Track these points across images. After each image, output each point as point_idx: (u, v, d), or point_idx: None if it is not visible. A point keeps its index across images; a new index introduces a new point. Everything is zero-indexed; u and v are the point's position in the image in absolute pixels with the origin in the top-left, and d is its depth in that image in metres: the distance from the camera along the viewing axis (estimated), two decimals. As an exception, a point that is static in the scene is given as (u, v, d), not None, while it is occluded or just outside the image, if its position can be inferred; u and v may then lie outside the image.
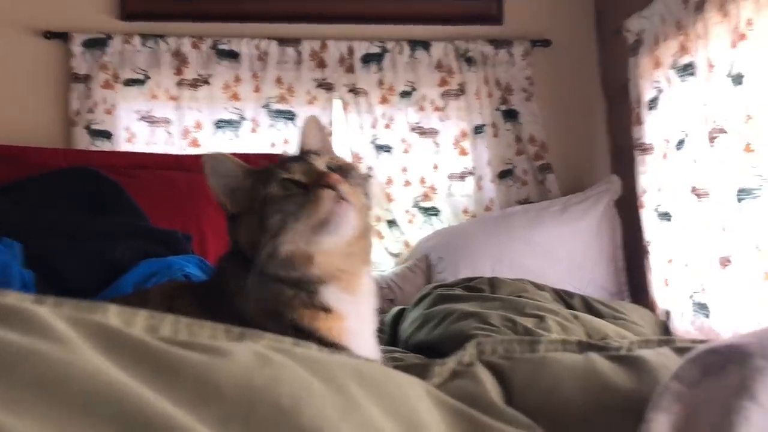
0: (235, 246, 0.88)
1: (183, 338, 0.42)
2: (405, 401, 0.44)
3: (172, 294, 0.86)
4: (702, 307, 1.88)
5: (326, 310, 0.83)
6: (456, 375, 0.54)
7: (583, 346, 0.58)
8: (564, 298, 1.90)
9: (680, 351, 0.60)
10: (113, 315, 0.41)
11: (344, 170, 0.89)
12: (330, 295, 0.84)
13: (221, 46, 2.54)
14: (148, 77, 2.53)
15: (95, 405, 0.32)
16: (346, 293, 0.86)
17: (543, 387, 0.52)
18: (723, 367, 0.49)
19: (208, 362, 0.38)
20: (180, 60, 2.54)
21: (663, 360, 0.57)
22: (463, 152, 2.59)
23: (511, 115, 2.60)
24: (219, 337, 0.44)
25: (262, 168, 0.90)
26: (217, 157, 0.89)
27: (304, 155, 0.91)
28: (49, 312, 0.37)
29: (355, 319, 0.86)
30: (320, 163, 0.88)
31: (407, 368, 0.49)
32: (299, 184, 0.84)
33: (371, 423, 0.40)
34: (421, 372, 0.52)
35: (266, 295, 0.80)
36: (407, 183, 2.57)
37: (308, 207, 0.79)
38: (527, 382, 0.53)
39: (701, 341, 0.57)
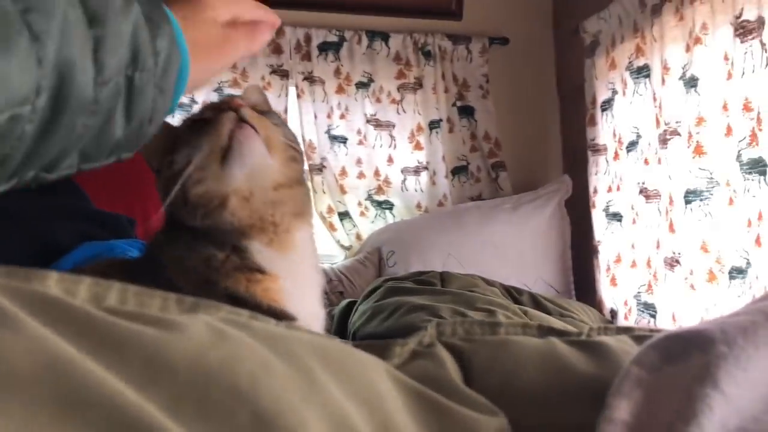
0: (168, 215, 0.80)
1: (131, 309, 0.38)
2: (367, 382, 0.41)
3: (104, 272, 0.80)
4: (648, 307, 1.91)
5: (261, 271, 0.76)
6: (416, 356, 0.51)
7: (544, 331, 0.56)
8: (513, 294, 1.91)
9: (639, 339, 0.59)
10: (53, 283, 0.37)
11: (263, 111, 0.81)
12: (259, 253, 0.77)
13: (174, 27, 2.46)
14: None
15: (38, 382, 0.28)
16: (276, 250, 0.78)
17: (503, 369, 0.50)
18: (685, 353, 0.48)
19: (159, 337, 0.35)
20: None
21: (623, 346, 0.56)
22: (418, 146, 2.57)
23: (467, 111, 2.60)
24: (170, 309, 0.41)
25: (186, 118, 0.84)
26: None
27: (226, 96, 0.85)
28: None
29: (290, 278, 0.78)
30: (237, 99, 0.81)
31: (367, 348, 0.46)
32: (208, 120, 0.77)
33: (333, 405, 0.37)
34: (381, 352, 0.50)
35: (196, 262, 0.73)
36: (361, 175, 2.54)
37: (210, 134, 0.72)
38: (488, 365, 0.51)
39: (660, 330, 0.56)
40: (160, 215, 0.80)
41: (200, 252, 0.72)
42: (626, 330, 0.63)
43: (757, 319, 0.48)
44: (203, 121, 0.77)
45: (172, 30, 0.47)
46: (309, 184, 2.43)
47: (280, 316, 0.70)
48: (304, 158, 2.40)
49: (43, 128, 0.37)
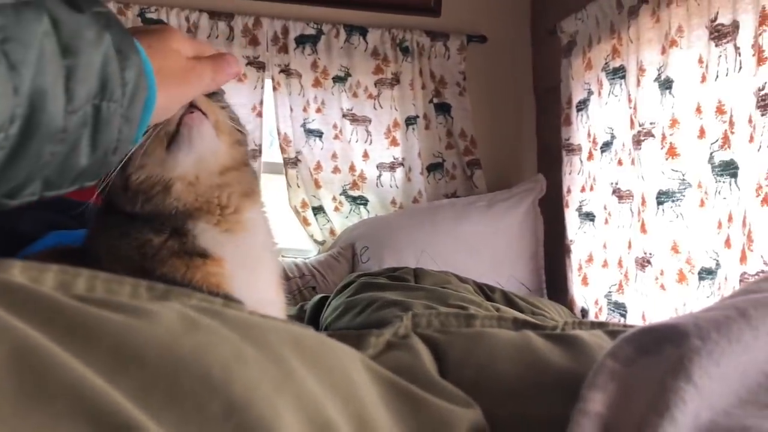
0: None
1: (100, 296, 0.37)
2: (341, 372, 0.40)
3: (56, 259, 0.77)
4: (619, 306, 1.93)
5: (202, 255, 0.73)
6: (391, 346, 0.51)
7: (519, 324, 0.56)
8: (485, 291, 1.91)
9: (613, 334, 0.59)
10: (18, 271, 0.36)
11: (210, 94, 0.80)
12: (203, 234, 0.74)
13: (149, 15, 2.43)
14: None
15: (3, 370, 0.27)
16: (224, 232, 0.76)
17: (478, 361, 0.50)
18: (659, 347, 0.48)
19: (128, 323, 0.34)
20: (103, 25, 2.40)
21: (597, 340, 0.56)
22: (395, 142, 2.57)
23: (443, 108, 2.60)
24: (141, 296, 0.40)
25: None
26: None
27: None
28: None
29: (239, 262, 0.76)
30: None
31: (342, 338, 0.45)
32: None
33: (307, 394, 0.37)
34: (355, 342, 0.49)
35: (130, 251, 0.70)
36: (336, 170, 2.53)
37: None
38: (463, 356, 0.50)
39: (633, 326, 0.56)
40: (97, 201, 0.77)
41: (135, 239, 0.69)
42: (600, 325, 0.63)
43: (731, 314, 0.48)
44: None
45: (141, 61, 0.48)
46: (284, 177, 2.42)
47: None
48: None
49: (11, 155, 0.37)
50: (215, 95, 0.81)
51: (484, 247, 2.32)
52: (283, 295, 0.86)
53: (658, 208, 1.72)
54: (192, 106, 0.71)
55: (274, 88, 2.48)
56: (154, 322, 0.35)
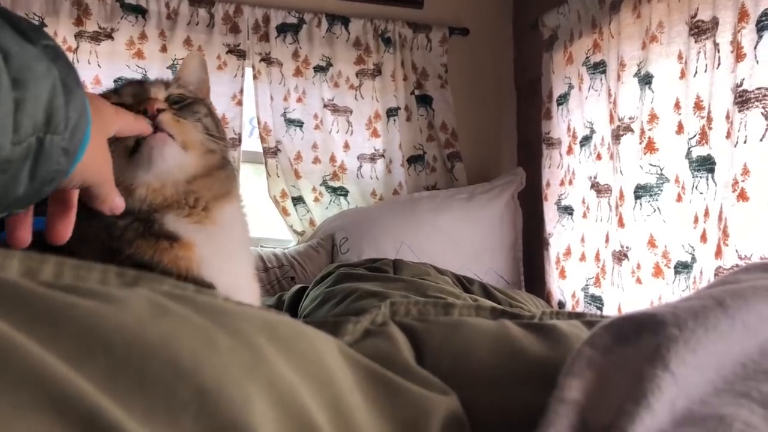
0: None
1: (67, 282, 0.36)
2: (317, 358, 0.40)
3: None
4: (595, 299, 1.94)
5: (169, 237, 0.74)
6: (369, 334, 0.50)
7: (496, 313, 0.56)
8: (464, 283, 1.92)
9: (591, 324, 0.59)
10: None
11: (186, 105, 0.82)
12: (171, 221, 0.76)
13: (128, 0, 2.39)
14: (44, 24, 2.33)
15: None
16: (194, 222, 0.78)
17: (456, 350, 0.50)
18: (637, 335, 0.48)
19: (96, 309, 0.33)
20: (81, 10, 2.36)
21: (575, 330, 0.56)
22: (375, 134, 2.56)
23: (425, 100, 2.60)
24: (110, 282, 0.39)
25: (103, 92, 0.83)
26: None
27: (145, 81, 0.85)
28: None
29: (211, 249, 0.77)
30: (156, 91, 0.81)
31: (318, 325, 0.45)
32: (124, 107, 0.75)
33: (281, 381, 0.36)
34: (332, 329, 0.49)
35: (96, 231, 0.70)
36: (316, 160, 2.51)
37: None
38: (440, 345, 0.50)
39: (610, 317, 0.56)
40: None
41: (100, 219, 0.68)
42: (578, 315, 0.63)
43: (708, 304, 0.48)
44: (121, 105, 0.75)
45: (83, 95, 0.48)
46: (263, 167, 2.40)
47: (194, 284, 0.69)
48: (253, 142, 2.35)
49: None
50: (193, 105, 0.83)
51: (464, 240, 2.33)
52: (258, 284, 0.86)
53: (635, 203, 1.73)
54: (157, 127, 0.74)
55: (255, 77, 2.46)
56: (123, 308, 0.34)
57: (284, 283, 2.18)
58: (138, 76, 2.38)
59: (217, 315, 0.37)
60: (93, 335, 0.31)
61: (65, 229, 0.57)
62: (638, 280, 1.72)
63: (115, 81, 2.35)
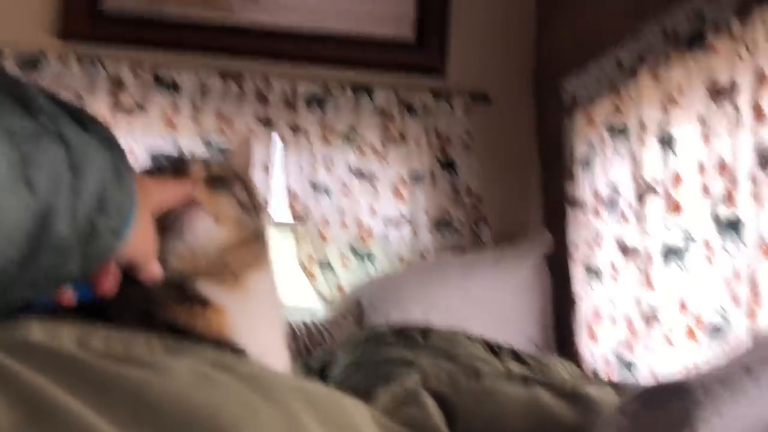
0: None
1: (117, 352, 0.38)
2: (351, 426, 0.41)
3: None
4: (627, 364, 1.91)
5: (202, 302, 0.76)
6: (400, 401, 0.51)
7: (528, 381, 0.56)
8: (494, 349, 1.90)
9: (622, 391, 0.59)
10: (37, 330, 0.37)
11: (222, 181, 0.85)
12: (202, 287, 0.77)
13: (161, 75, 2.49)
14: (81, 100, 2.44)
15: (21, 423, 0.28)
16: (225, 289, 0.79)
17: (487, 416, 0.50)
18: (665, 401, 0.48)
19: (143, 378, 0.35)
20: (117, 85, 2.47)
21: (606, 397, 0.56)
22: (401, 199, 2.59)
23: (449, 165, 2.63)
24: (156, 351, 0.41)
25: (146, 170, 0.88)
26: None
27: (186, 159, 0.88)
28: None
29: (241, 314, 0.78)
30: (196, 168, 0.84)
31: (351, 392, 0.46)
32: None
33: None
34: (364, 397, 0.49)
35: (132, 292, 0.70)
36: (343, 226, 2.54)
37: None
38: (472, 411, 0.50)
39: (641, 385, 0.56)
40: None
41: (136, 283, 0.70)
42: (609, 383, 0.63)
43: (736, 371, 0.49)
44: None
45: (132, 179, 0.51)
46: (291, 233, 2.43)
47: (227, 348, 0.70)
48: (292, 209, 2.39)
49: (19, 266, 0.39)
50: (229, 181, 0.86)
51: (492, 304, 2.31)
52: (288, 350, 0.88)
53: (664, 265, 1.72)
54: (192, 200, 0.77)
55: (283, 146, 2.53)
56: (169, 376, 0.36)
57: (312, 351, 2.17)
58: (171, 148, 2.46)
59: (256, 383, 0.39)
60: (141, 402, 0.33)
61: (111, 284, 0.60)
62: (670, 343, 1.69)
63: (150, 154, 2.44)
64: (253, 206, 0.88)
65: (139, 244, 0.57)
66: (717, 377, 0.46)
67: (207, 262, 0.79)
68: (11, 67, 2.40)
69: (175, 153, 2.43)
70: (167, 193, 0.71)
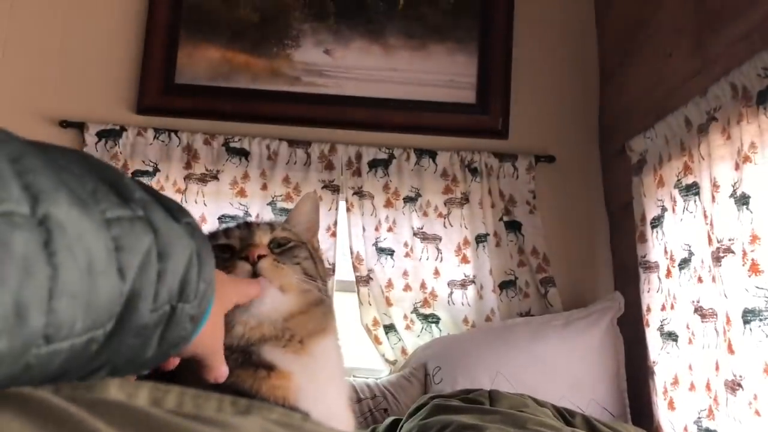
0: None
1: (188, 410, 0.40)
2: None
3: None
4: (710, 434, 1.80)
5: (267, 367, 0.77)
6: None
7: (601, 450, 0.54)
8: (565, 416, 1.84)
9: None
10: (115, 389, 0.39)
11: (288, 249, 0.87)
12: (268, 352, 0.79)
13: (232, 144, 2.60)
14: (157, 169, 2.56)
15: None
16: (291, 353, 0.81)
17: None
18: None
19: None
20: (191, 155, 2.58)
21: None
22: (465, 260, 2.58)
23: (513, 226, 2.61)
24: (225, 410, 0.42)
25: (213, 232, 0.90)
26: None
27: (252, 224, 0.91)
28: (52, 395, 0.35)
29: (307, 379, 0.79)
30: (261, 235, 0.87)
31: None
32: (231, 249, 0.83)
33: None
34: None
35: None
36: (407, 288, 2.54)
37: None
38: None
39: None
40: None
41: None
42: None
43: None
44: (228, 248, 0.84)
45: (213, 267, 0.53)
46: (356, 295, 2.44)
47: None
48: (353, 270, 2.42)
49: (101, 347, 0.41)
50: (294, 249, 0.89)
51: (562, 368, 2.24)
52: (352, 415, 0.87)
53: (745, 328, 1.64)
54: (255, 273, 0.80)
55: (348, 209, 2.57)
56: (237, 433, 0.37)
57: (377, 415, 2.15)
58: (240, 213, 2.54)
59: None
60: None
61: (175, 358, 0.62)
62: (756, 413, 1.59)
63: (219, 218, 2.52)
64: (317, 272, 0.90)
65: (211, 338, 0.59)
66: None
67: (273, 329, 0.81)
68: (91, 140, 2.55)
69: (244, 219, 2.51)
70: (240, 292, 0.73)
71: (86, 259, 0.36)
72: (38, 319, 0.33)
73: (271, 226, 0.91)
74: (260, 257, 0.81)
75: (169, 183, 2.56)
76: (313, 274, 0.88)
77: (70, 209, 0.36)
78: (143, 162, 2.56)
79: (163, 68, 2.68)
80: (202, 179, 2.57)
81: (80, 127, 2.58)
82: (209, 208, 2.55)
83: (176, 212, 0.48)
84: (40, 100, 2.66)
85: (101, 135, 2.57)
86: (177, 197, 2.55)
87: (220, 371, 0.65)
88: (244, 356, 0.78)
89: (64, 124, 2.59)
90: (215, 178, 2.58)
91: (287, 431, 0.40)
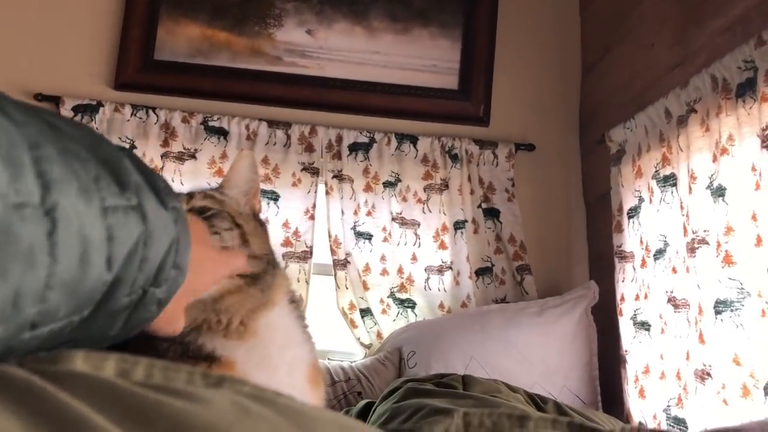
0: None
1: (157, 382, 0.39)
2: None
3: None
4: (679, 422, 1.83)
5: (208, 359, 0.73)
6: (441, 444, 0.50)
7: (574, 428, 0.54)
8: (537, 402, 1.85)
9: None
10: (81, 361, 0.38)
11: (207, 218, 0.79)
12: (208, 342, 0.74)
13: (211, 123, 2.56)
14: (134, 146, 2.52)
15: None
16: (235, 339, 0.76)
17: (532, 465, 0.48)
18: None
19: (184, 408, 0.35)
20: (168, 132, 2.55)
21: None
22: (443, 246, 2.58)
23: (492, 213, 2.62)
24: (196, 383, 0.41)
25: None
26: None
27: (182, 193, 0.84)
28: (16, 368, 0.34)
29: (252, 364, 0.75)
30: (195, 199, 0.81)
31: (389, 432, 0.44)
32: None
33: None
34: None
35: (147, 351, 0.71)
36: (384, 272, 2.54)
37: None
38: (515, 458, 0.48)
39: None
40: None
41: (140, 341, 0.66)
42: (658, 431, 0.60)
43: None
44: None
45: (189, 252, 0.52)
46: (333, 278, 2.42)
47: None
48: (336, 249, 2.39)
49: (74, 329, 0.41)
50: (214, 218, 0.81)
51: (535, 355, 2.26)
52: (318, 395, 0.83)
53: (716, 318, 1.66)
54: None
55: (327, 193, 2.56)
56: (209, 407, 0.36)
57: (351, 398, 2.15)
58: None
59: (296, 417, 0.38)
60: (182, 431, 0.33)
61: None
62: (724, 402, 1.62)
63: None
64: (245, 242, 0.82)
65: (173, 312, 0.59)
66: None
67: (204, 313, 0.75)
68: (67, 114, 2.50)
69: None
70: (221, 271, 0.72)
71: (82, 248, 0.37)
72: (32, 307, 0.34)
73: (189, 195, 0.83)
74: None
75: (146, 160, 2.50)
76: (234, 245, 0.79)
77: (76, 199, 0.37)
78: (120, 139, 2.52)
79: (142, 44, 2.63)
80: (180, 158, 2.54)
81: (56, 101, 2.53)
82: (186, 188, 2.50)
83: (165, 196, 0.48)
84: (14, 71, 2.60)
85: (77, 110, 2.53)
86: (153, 175, 2.51)
87: (178, 325, 0.63)
88: (182, 348, 0.73)
89: (39, 97, 2.54)
90: (193, 156, 2.55)
91: (259, 404, 0.39)
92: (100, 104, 2.53)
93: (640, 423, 2.04)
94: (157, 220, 0.45)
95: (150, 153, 2.53)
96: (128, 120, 2.54)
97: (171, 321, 0.62)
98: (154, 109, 2.55)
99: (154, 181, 0.48)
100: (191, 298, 0.65)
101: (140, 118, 2.55)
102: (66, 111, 2.51)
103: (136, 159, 0.48)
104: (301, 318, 0.87)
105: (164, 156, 2.53)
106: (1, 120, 0.34)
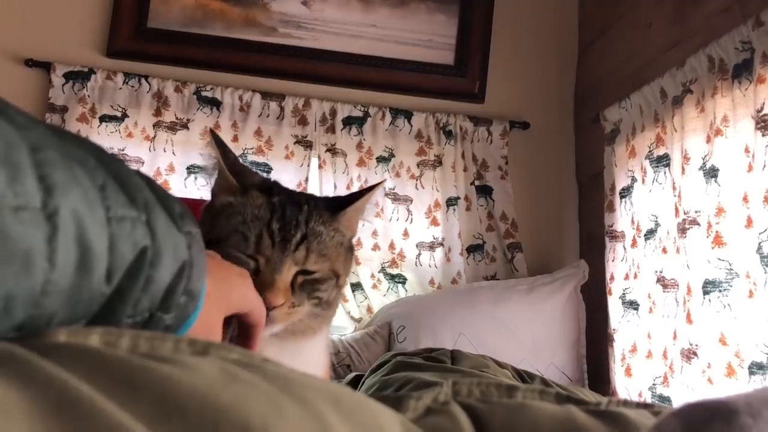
0: None
1: (143, 351, 0.38)
2: (379, 429, 0.40)
3: None
4: (664, 400, 1.85)
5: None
6: (430, 412, 0.50)
7: (562, 398, 0.54)
8: (524, 378, 1.86)
9: (658, 414, 0.57)
10: (64, 336, 0.37)
11: (312, 279, 0.81)
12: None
13: (204, 93, 2.54)
14: (126, 115, 2.50)
15: (46, 417, 0.29)
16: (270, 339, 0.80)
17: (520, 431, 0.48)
18: (707, 423, 0.46)
19: (170, 374, 0.34)
20: (161, 102, 2.52)
21: (642, 419, 0.54)
22: (435, 222, 2.58)
23: (485, 190, 2.62)
24: (183, 350, 0.41)
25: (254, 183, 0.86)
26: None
27: (289, 244, 0.80)
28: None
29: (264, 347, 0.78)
30: (291, 265, 0.79)
31: (381, 399, 0.44)
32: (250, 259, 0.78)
33: None
34: (395, 405, 0.48)
35: None
36: (376, 247, 2.54)
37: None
38: (504, 427, 0.49)
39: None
40: None
41: None
42: (646, 405, 0.61)
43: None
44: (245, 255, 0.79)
45: (203, 280, 0.51)
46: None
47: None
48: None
49: None
50: (320, 283, 0.83)
51: (524, 332, 2.28)
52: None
53: (704, 298, 1.67)
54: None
55: (320, 166, 2.55)
56: (196, 373, 0.35)
57: (340, 371, 2.16)
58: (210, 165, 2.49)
59: (284, 383, 0.38)
60: (168, 398, 0.33)
61: None
62: (709, 381, 1.64)
63: (188, 168, 2.48)
64: (334, 297, 0.88)
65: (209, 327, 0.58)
66: (764, 399, 0.44)
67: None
68: (58, 81, 2.47)
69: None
70: (243, 304, 0.68)
71: (81, 255, 0.36)
72: (23, 312, 0.33)
73: (308, 247, 0.81)
74: (275, 307, 0.77)
75: (137, 130, 2.50)
76: (329, 300, 0.85)
77: (78, 205, 0.36)
78: (111, 107, 2.50)
79: (136, 11, 2.60)
80: (172, 127, 2.52)
81: (47, 67, 2.50)
82: (178, 158, 2.50)
83: (179, 219, 0.47)
84: (5, 36, 2.56)
85: (68, 76, 2.49)
86: (145, 145, 2.50)
87: (214, 338, 0.63)
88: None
89: (30, 63, 2.51)
90: (185, 127, 2.53)
91: (247, 371, 0.39)
92: (91, 71, 2.50)
93: (625, 400, 2.06)
94: (167, 239, 0.44)
95: (142, 122, 2.50)
96: (120, 88, 2.51)
97: (207, 335, 0.61)
98: (146, 77, 2.53)
99: (167, 202, 0.46)
100: (227, 312, 0.64)
101: (132, 86, 2.52)
102: (57, 77, 2.48)
103: (151, 181, 0.47)
104: (329, 353, 0.91)
105: (156, 125, 2.51)
106: (0, 122, 0.33)
